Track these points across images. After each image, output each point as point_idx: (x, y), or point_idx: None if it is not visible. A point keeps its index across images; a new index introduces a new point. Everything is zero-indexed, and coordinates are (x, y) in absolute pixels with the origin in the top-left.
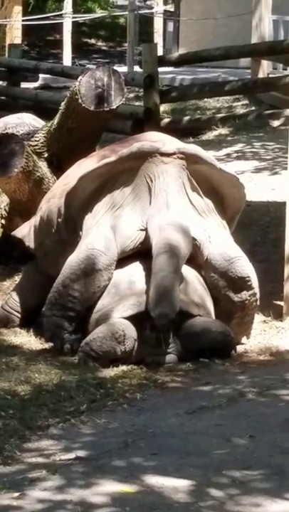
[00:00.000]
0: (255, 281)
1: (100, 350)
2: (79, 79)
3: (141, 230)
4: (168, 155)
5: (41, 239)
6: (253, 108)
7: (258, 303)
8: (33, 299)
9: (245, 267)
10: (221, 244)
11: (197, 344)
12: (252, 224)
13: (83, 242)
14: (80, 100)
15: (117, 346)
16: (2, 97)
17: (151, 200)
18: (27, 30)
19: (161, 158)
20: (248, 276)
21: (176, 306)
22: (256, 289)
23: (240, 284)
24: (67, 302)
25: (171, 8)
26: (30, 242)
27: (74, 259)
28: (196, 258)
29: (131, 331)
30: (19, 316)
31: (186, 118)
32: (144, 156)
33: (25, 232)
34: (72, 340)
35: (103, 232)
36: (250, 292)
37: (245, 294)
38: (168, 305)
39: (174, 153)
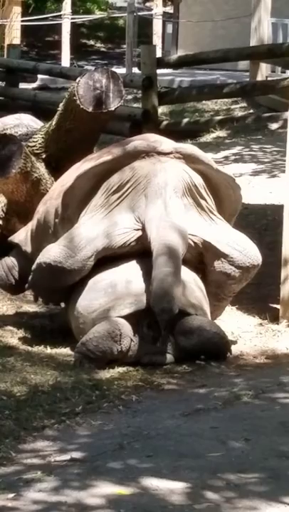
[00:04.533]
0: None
1: (96, 351)
2: (77, 80)
3: (136, 229)
4: (165, 154)
5: (39, 241)
6: (252, 111)
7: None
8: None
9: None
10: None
11: (191, 341)
12: (249, 227)
13: (64, 235)
14: (78, 101)
15: (113, 346)
16: (0, 98)
17: (147, 199)
18: (26, 31)
19: (158, 158)
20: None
21: (178, 302)
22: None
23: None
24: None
25: (170, 10)
26: (27, 247)
27: (45, 253)
28: (194, 258)
29: (128, 330)
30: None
31: (185, 120)
32: (141, 155)
33: (22, 237)
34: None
35: (86, 230)
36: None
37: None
38: (171, 300)
39: (170, 153)
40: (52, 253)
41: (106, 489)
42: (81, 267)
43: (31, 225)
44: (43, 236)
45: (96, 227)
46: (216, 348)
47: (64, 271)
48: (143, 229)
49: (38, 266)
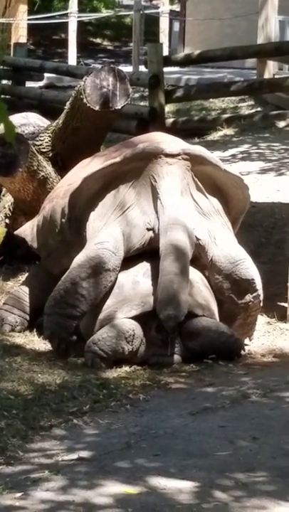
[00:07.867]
0: (259, 283)
1: (109, 350)
2: (84, 78)
3: (147, 230)
4: (172, 156)
5: (44, 238)
6: (259, 109)
7: (262, 304)
8: (43, 299)
9: (249, 269)
10: (225, 245)
11: (198, 342)
12: (256, 225)
13: (92, 241)
14: (84, 100)
15: (125, 346)
16: (7, 96)
17: (156, 200)
18: (32, 29)
19: (165, 159)
20: (253, 279)
21: (184, 308)
22: (260, 291)
23: (244, 286)
24: (74, 300)
25: (177, 8)
26: (33, 242)
27: (83, 258)
28: (200, 259)
29: (139, 330)
30: (24, 316)
31: (192, 118)
32: (148, 157)
33: (28, 231)
34: (70, 341)
35: (112, 232)
36: (254, 294)
37: (249, 296)
38: (177, 307)
39: (178, 154)
40: (93, 254)
41: (114, 488)
42: (116, 273)
43: (37, 220)
44: (49, 234)
45: (116, 232)
46: (226, 346)
47: (107, 270)
48: (152, 230)
49: (80, 271)
